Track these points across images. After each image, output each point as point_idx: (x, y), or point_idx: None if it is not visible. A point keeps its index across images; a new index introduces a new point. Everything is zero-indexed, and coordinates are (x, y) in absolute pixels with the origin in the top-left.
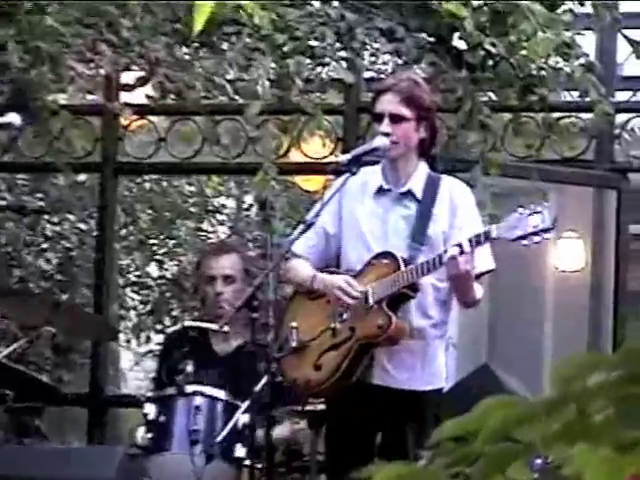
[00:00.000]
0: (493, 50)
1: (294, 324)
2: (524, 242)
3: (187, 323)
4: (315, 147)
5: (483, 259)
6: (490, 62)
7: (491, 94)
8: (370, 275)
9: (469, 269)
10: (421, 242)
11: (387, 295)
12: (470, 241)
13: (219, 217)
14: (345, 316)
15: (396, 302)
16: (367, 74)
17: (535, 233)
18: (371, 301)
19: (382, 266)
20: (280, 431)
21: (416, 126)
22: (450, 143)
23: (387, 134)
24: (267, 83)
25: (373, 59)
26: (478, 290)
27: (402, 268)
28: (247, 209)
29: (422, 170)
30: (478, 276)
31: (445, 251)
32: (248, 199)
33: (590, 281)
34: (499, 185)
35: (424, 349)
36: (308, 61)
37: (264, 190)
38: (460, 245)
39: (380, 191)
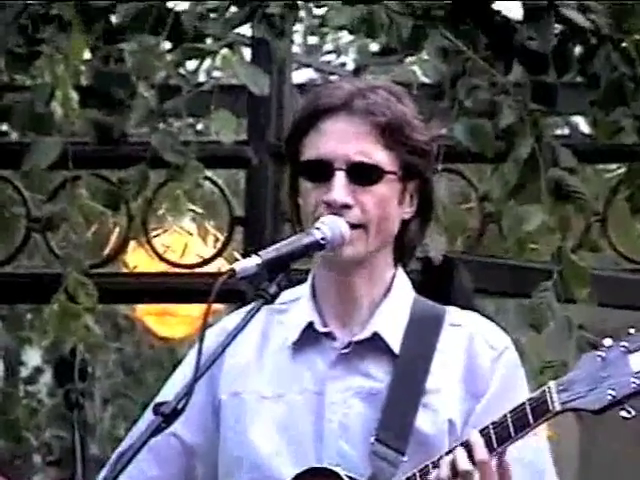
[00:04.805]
0: (583, 22)
1: None
2: (623, 413)
3: None
4: (182, 241)
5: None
6: (577, 48)
7: (578, 119)
8: None
9: None
10: (398, 447)
11: None
12: (488, 432)
13: None
14: None
15: None
16: (300, 75)
17: None
18: None
19: None
20: None
21: (400, 192)
22: (484, 232)
23: (344, 207)
24: (75, 96)
25: (314, 41)
26: None
27: None
28: (29, 380)
29: (402, 293)
30: None
31: (438, 460)
32: (32, 358)
33: None
34: (597, 324)
35: None
36: (168, 46)
37: (70, 337)
38: (466, 444)
39: (308, 337)
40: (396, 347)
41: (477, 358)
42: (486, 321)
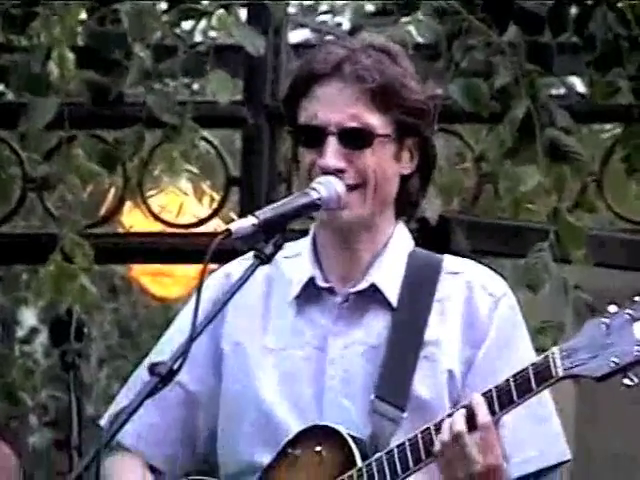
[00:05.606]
0: None
1: None
2: (627, 381)
3: None
4: (178, 201)
5: (539, 436)
6: (573, 9)
7: (574, 80)
8: None
9: (492, 462)
10: (397, 403)
11: None
12: (490, 395)
13: None
14: None
15: None
16: (296, 35)
17: None
18: None
19: (311, 461)
20: None
21: (396, 151)
22: (480, 192)
23: (338, 172)
24: (71, 56)
25: (310, 1)
26: None
27: (358, 462)
28: (24, 341)
29: (400, 245)
30: None
31: (439, 422)
32: (28, 318)
33: None
34: (593, 285)
35: None
36: (164, 6)
37: (66, 298)
38: (468, 407)
39: (310, 293)
40: (394, 299)
41: (475, 305)
42: (483, 268)
